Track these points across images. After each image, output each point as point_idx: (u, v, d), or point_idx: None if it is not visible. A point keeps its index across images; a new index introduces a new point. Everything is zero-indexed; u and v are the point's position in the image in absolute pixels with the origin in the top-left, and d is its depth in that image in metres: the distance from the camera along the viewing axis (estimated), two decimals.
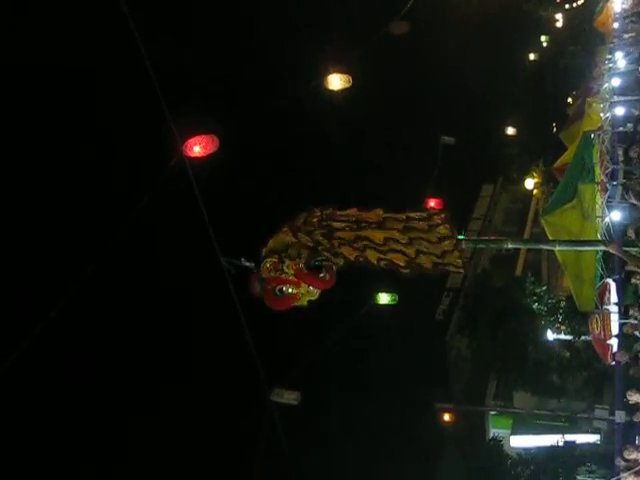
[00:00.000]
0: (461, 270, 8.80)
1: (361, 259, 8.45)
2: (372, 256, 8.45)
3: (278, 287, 8.27)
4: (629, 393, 14.66)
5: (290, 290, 8.27)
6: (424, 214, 8.67)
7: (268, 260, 8.31)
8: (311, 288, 8.40)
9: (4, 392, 13.56)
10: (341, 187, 23.35)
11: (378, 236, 8.48)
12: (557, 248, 14.11)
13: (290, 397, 12.51)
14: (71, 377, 18.38)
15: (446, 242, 8.60)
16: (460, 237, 9.13)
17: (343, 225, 8.49)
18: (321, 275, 8.43)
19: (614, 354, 16.75)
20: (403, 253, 8.47)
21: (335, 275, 8.48)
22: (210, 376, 20.15)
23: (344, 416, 23.57)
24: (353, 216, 8.56)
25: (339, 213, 8.59)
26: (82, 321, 17.40)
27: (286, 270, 8.25)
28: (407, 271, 8.57)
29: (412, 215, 8.62)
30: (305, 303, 8.43)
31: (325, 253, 8.40)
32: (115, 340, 19.23)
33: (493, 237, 31.30)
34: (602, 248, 12.66)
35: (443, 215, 8.73)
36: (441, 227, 8.62)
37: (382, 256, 8.46)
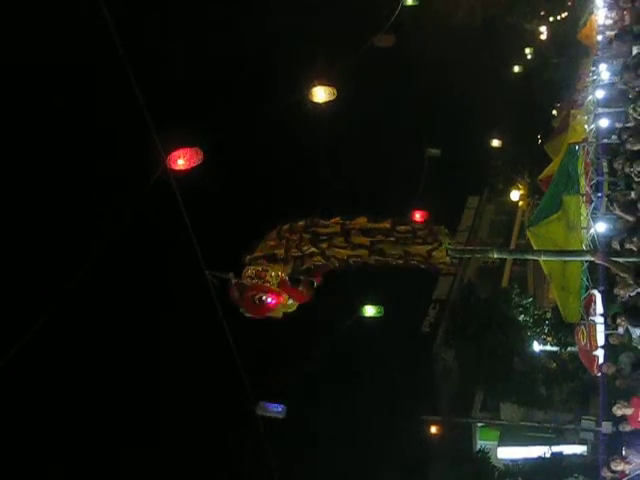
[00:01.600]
0: (451, 268, 8.86)
1: (353, 259, 8.45)
2: (364, 254, 8.47)
3: (258, 295, 8.26)
4: (617, 406, 14.60)
5: (269, 299, 8.25)
6: (409, 227, 8.69)
7: (252, 267, 8.28)
8: (290, 301, 8.39)
9: None
10: (326, 200, 23.31)
11: (364, 240, 8.49)
12: (542, 258, 14.14)
13: (275, 411, 12.40)
14: (56, 394, 18.26)
15: (430, 245, 8.64)
16: (448, 246, 9.15)
17: (329, 230, 8.48)
18: (300, 289, 8.43)
19: (600, 365, 16.75)
20: (392, 255, 8.51)
21: (313, 291, 8.48)
22: (195, 390, 20.05)
23: (330, 429, 23.46)
24: (337, 223, 8.57)
25: (323, 222, 8.60)
26: (65, 337, 17.28)
27: (269, 279, 8.21)
28: (401, 263, 8.61)
29: (398, 229, 8.64)
30: (280, 315, 8.42)
31: (316, 259, 8.37)
32: (98, 354, 19.12)
33: (479, 247, 31.31)
34: (588, 258, 12.69)
35: (427, 229, 8.76)
36: (427, 239, 8.65)
37: (374, 256, 8.50)
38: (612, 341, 15.89)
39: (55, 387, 18.41)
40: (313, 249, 8.45)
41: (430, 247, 8.69)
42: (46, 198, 19.20)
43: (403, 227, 8.74)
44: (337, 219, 8.64)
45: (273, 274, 8.33)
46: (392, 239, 8.56)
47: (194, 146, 11.09)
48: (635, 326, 14.59)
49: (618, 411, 14.49)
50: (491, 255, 10.44)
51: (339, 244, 8.50)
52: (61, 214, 19.16)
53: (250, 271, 8.28)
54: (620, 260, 12.25)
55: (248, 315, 8.41)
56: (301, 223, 8.57)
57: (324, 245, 8.48)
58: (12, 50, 19.18)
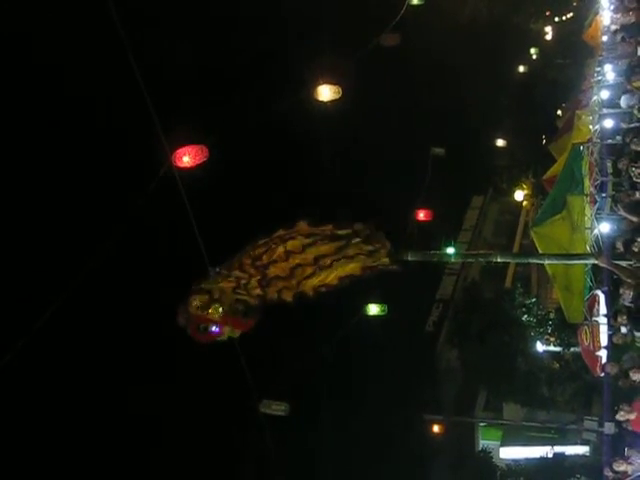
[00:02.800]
0: (392, 266, 8.86)
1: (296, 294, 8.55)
2: (308, 287, 8.58)
3: (203, 325, 8.51)
4: (621, 414, 14.55)
5: (214, 329, 8.52)
6: (349, 231, 8.74)
7: (198, 297, 8.52)
8: (233, 331, 8.65)
9: None
10: (330, 198, 23.34)
11: (308, 257, 8.54)
12: (546, 262, 14.17)
13: (278, 408, 12.45)
14: (56, 391, 18.29)
15: (372, 245, 8.68)
16: (451, 249, 9.17)
17: (273, 257, 8.57)
18: (243, 319, 8.65)
19: (603, 365, 16.76)
20: (333, 267, 8.55)
21: (257, 317, 8.66)
22: (198, 388, 20.07)
23: (333, 427, 23.48)
24: (279, 237, 8.65)
25: (261, 243, 8.68)
26: (67, 335, 17.32)
27: (212, 312, 8.46)
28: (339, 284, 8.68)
29: (337, 233, 8.69)
30: (226, 338, 8.67)
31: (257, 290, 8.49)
32: (100, 354, 19.14)
33: (482, 251, 31.31)
34: (592, 261, 12.69)
35: (367, 231, 8.80)
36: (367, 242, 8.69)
37: (317, 282, 8.57)
38: (615, 340, 15.89)
39: (57, 387, 18.44)
40: (258, 291, 8.66)
41: (373, 247, 8.74)
42: (50, 196, 19.22)
43: (344, 234, 8.80)
44: (280, 232, 8.75)
45: (216, 307, 8.55)
46: (332, 251, 8.63)
47: (199, 143, 11.15)
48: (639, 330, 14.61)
49: (621, 418, 14.45)
50: (494, 259, 10.40)
51: (284, 275, 8.62)
52: (65, 212, 19.19)
53: (196, 302, 8.55)
54: (624, 264, 12.26)
55: (198, 342, 8.70)
56: (247, 257, 8.67)
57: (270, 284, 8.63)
58: (16, 47, 19.22)
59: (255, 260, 8.61)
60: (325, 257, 8.57)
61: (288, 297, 8.62)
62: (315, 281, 8.59)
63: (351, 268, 8.65)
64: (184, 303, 8.63)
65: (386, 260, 8.76)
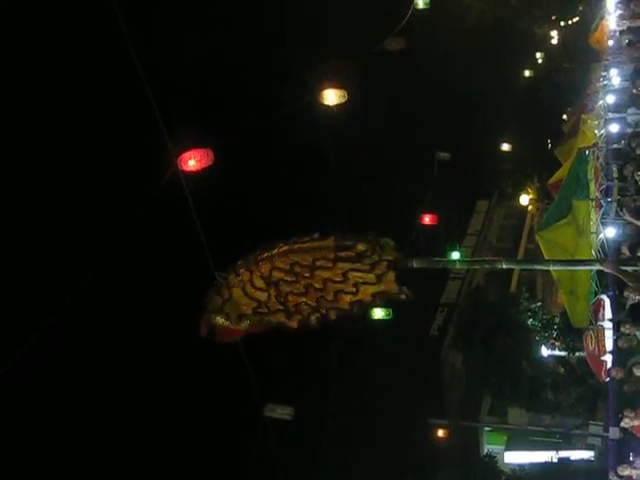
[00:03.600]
0: (402, 295, 8.54)
1: (315, 316, 8.33)
2: (323, 306, 8.34)
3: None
4: (625, 421, 14.50)
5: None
6: (350, 243, 8.47)
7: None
8: None
9: None
10: (336, 202, 23.35)
11: (317, 280, 8.31)
12: (551, 268, 14.12)
13: (283, 412, 12.43)
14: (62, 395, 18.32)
15: (378, 267, 8.38)
16: (456, 253, 9.10)
17: (284, 276, 8.35)
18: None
19: (608, 370, 16.72)
20: (344, 292, 8.27)
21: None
22: (203, 392, 20.09)
23: (337, 431, 23.47)
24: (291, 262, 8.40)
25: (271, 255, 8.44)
26: (75, 334, 17.35)
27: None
28: (354, 311, 8.41)
29: (341, 248, 8.42)
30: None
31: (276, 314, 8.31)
32: (106, 356, 19.16)
33: (488, 258, 31.28)
34: (597, 267, 12.65)
35: (370, 239, 8.55)
36: (372, 255, 8.44)
37: (328, 304, 8.32)
38: (620, 345, 15.85)
39: (59, 387, 18.47)
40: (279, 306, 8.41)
41: (379, 270, 8.46)
42: (55, 199, 19.27)
43: (345, 253, 8.50)
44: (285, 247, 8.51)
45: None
46: (340, 278, 8.37)
47: (205, 147, 11.17)
48: None
49: (626, 425, 14.41)
50: (500, 266, 10.33)
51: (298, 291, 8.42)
52: (70, 215, 19.24)
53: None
54: (629, 269, 12.22)
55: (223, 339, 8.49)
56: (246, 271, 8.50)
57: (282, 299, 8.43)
58: (20, 51, 19.28)
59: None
60: (334, 282, 8.35)
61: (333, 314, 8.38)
62: (349, 297, 8.34)
63: (363, 294, 8.40)
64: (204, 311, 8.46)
65: (394, 287, 8.54)
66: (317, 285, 8.25)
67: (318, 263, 8.25)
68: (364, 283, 8.26)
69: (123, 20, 9.55)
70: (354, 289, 8.26)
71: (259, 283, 8.29)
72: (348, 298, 8.28)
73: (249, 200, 23.44)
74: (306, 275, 8.24)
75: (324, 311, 8.31)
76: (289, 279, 8.28)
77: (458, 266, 9.43)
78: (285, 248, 8.35)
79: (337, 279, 8.27)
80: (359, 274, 8.26)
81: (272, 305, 8.29)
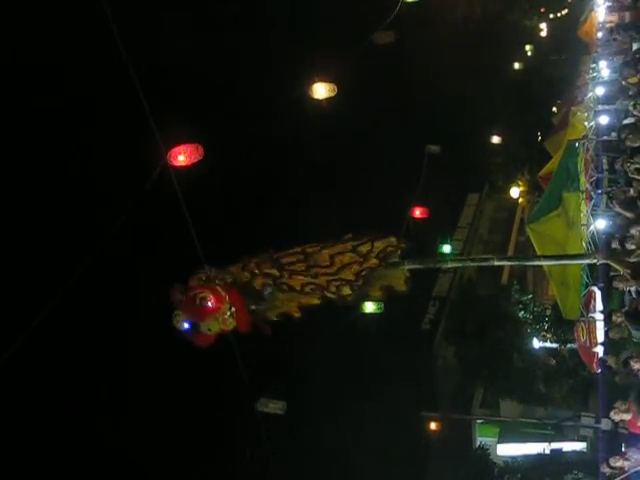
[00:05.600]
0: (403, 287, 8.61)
1: (310, 287, 8.23)
2: (321, 281, 8.26)
3: (202, 294, 7.78)
4: (615, 411, 14.49)
5: (209, 303, 7.74)
6: (366, 241, 8.51)
7: (204, 274, 7.95)
8: (228, 314, 7.89)
9: None
10: (326, 196, 23.35)
11: (329, 267, 8.31)
12: (544, 263, 14.14)
13: (276, 407, 12.44)
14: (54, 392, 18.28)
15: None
16: (447, 246, 9.10)
17: (293, 260, 8.28)
18: (249, 315, 8.11)
19: (601, 359, 16.74)
20: (350, 264, 8.31)
21: (257, 325, 8.18)
22: (195, 386, 20.08)
23: (328, 425, 23.48)
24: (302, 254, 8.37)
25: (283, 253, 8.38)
26: (65, 333, 17.31)
27: (218, 282, 7.88)
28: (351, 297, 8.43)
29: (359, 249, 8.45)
30: (211, 329, 7.88)
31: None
32: (100, 352, 19.13)
33: (480, 256, 31.28)
34: (591, 261, 12.68)
35: (384, 240, 8.58)
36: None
37: (332, 279, 8.27)
38: (612, 335, 15.88)
39: (55, 383, 18.44)
40: (272, 271, 8.21)
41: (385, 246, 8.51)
42: (45, 195, 19.20)
43: (364, 247, 8.52)
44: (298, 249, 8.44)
45: (226, 277, 8.06)
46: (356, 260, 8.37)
47: (194, 142, 11.15)
48: (636, 329, 14.59)
49: (616, 416, 14.41)
50: (492, 263, 10.35)
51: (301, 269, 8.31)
52: (60, 211, 19.17)
53: (201, 275, 7.99)
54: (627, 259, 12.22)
55: (187, 318, 7.95)
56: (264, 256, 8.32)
57: (286, 274, 8.25)
58: (11, 47, 19.18)
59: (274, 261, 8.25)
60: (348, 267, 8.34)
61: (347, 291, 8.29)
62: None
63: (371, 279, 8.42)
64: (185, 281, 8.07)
65: (401, 282, 8.59)
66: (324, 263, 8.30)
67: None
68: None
69: (111, 14, 9.51)
70: (361, 259, 8.34)
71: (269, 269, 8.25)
72: (353, 269, 8.34)
73: (238, 194, 23.39)
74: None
75: (333, 287, 8.30)
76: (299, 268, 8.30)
77: (450, 265, 9.40)
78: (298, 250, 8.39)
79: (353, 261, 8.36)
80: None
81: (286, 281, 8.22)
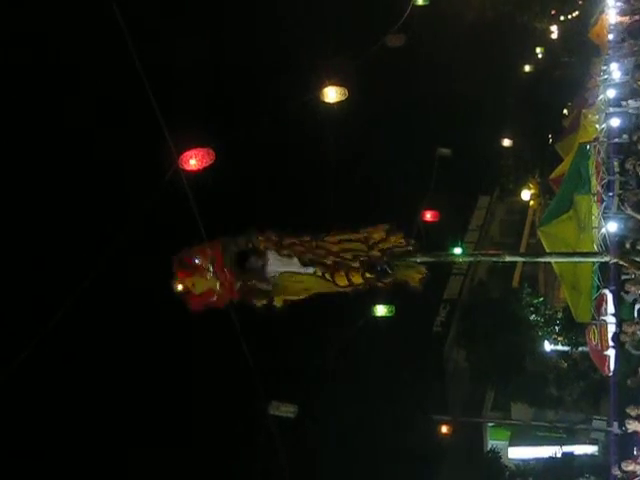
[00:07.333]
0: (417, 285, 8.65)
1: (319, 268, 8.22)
2: (328, 260, 8.25)
3: (195, 257, 7.80)
4: (629, 421, 14.44)
5: (197, 260, 7.75)
6: (381, 231, 8.53)
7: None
8: (212, 273, 7.81)
9: None
10: (337, 199, 23.34)
11: (334, 245, 8.32)
12: (554, 260, 14.12)
13: (287, 410, 12.49)
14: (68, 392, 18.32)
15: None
16: (458, 249, 9.13)
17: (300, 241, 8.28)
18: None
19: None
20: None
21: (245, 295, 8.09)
22: (207, 389, 20.09)
23: (340, 428, 23.48)
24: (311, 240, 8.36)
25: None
26: (77, 336, 17.36)
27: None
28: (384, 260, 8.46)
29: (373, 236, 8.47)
30: (196, 285, 7.83)
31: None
32: (110, 359, 19.16)
33: (491, 251, 31.31)
34: (603, 259, 12.65)
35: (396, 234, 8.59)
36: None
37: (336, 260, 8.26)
38: (623, 339, 15.83)
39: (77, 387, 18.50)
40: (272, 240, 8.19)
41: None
42: (56, 199, 19.26)
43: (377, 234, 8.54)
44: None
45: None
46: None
47: (206, 146, 11.20)
48: None
49: (630, 426, 14.37)
50: (503, 259, 10.36)
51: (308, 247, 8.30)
52: (72, 215, 19.23)
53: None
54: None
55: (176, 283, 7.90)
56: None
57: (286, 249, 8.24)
58: (22, 48, 19.29)
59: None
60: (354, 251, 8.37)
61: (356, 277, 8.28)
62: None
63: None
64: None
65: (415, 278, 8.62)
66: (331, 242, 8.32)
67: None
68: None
69: (123, 20, 9.57)
70: (365, 247, 8.35)
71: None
72: (354, 251, 8.35)
73: (249, 198, 23.42)
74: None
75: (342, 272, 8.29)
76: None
77: (461, 260, 9.41)
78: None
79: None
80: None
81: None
